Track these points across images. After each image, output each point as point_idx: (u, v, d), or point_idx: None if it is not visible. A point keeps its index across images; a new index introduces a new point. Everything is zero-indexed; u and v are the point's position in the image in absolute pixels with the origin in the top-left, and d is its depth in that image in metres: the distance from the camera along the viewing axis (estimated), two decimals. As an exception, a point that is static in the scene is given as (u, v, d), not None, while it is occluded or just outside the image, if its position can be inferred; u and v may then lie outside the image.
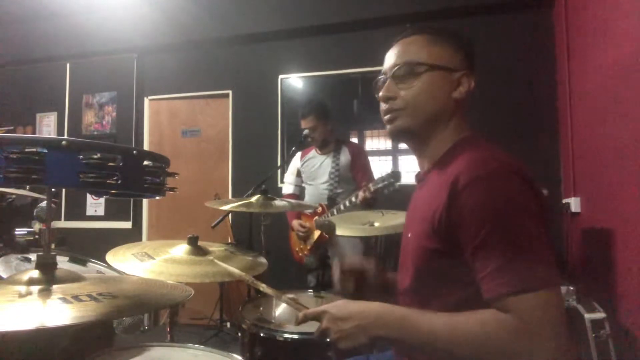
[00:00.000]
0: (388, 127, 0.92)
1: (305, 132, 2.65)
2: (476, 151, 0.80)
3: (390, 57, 0.92)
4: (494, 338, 0.66)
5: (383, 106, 0.91)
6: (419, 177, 0.98)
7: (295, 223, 2.69)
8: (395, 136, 0.92)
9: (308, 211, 2.66)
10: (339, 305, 0.81)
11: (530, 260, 0.68)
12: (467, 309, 0.71)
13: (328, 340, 0.80)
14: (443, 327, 0.71)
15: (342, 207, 2.38)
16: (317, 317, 0.82)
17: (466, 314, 0.71)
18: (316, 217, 2.59)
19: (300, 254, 2.77)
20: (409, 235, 0.92)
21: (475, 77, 0.90)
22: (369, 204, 2.22)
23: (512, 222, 0.69)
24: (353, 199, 2.28)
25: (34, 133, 4.21)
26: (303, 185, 2.85)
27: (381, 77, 0.94)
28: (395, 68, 0.89)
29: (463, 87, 0.89)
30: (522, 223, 0.70)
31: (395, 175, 2.14)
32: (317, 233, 2.62)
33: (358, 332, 0.76)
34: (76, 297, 0.67)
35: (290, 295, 0.93)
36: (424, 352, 0.74)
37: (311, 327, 0.85)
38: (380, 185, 2.14)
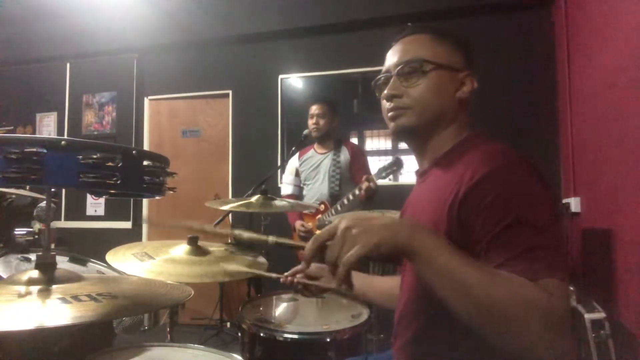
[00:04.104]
0: (392, 124, 0.90)
1: (306, 131, 2.65)
2: (488, 145, 0.80)
3: (394, 55, 0.91)
4: (531, 295, 0.61)
5: (387, 104, 0.90)
6: (419, 173, 0.97)
7: (297, 224, 2.68)
8: (399, 134, 0.91)
9: (309, 211, 2.65)
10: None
11: (553, 247, 0.67)
12: None
13: (342, 244, 0.63)
14: (484, 265, 0.65)
15: (345, 201, 2.36)
16: (331, 232, 0.66)
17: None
18: (319, 216, 2.58)
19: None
20: None
21: (476, 78, 0.90)
22: (371, 196, 2.22)
23: (534, 209, 0.69)
24: (356, 192, 2.27)
25: (34, 133, 4.21)
26: (302, 185, 2.84)
27: (382, 75, 0.92)
28: (401, 66, 0.88)
29: (467, 87, 0.89)
30: (543, 210, 0.70)
31: (397, 162, 2.15)
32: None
33: (385, 233, 0.63)
34: (76, 297, 0.67)
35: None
36: (454, 283, 0.62)
37: (311, 327, 0.83)
38: (383, 173, 2.14)
